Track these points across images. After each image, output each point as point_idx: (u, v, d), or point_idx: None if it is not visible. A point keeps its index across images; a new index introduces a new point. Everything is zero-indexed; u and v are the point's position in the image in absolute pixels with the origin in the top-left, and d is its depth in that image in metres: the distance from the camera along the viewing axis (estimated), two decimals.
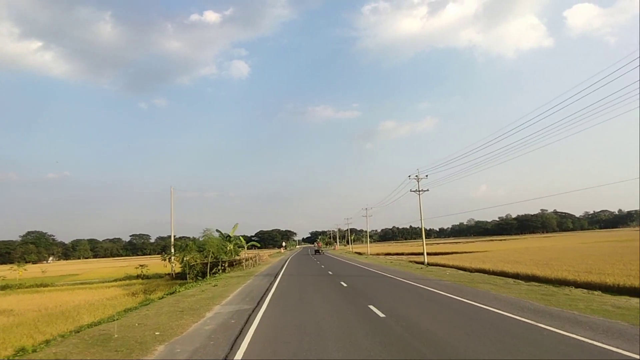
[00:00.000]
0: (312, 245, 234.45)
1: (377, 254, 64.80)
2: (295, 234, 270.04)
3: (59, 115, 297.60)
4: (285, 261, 46.76)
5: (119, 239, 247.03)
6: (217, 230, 37.99)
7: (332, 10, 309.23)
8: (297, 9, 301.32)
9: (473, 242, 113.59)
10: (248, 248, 48.27)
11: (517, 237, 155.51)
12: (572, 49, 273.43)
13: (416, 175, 35.83)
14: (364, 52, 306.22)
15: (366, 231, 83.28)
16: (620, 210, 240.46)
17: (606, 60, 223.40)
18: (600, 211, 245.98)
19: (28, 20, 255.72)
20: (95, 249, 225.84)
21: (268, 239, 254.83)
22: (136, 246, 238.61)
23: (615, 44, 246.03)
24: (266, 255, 56.87)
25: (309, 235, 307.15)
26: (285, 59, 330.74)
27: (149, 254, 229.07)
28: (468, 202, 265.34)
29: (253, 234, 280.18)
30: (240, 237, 43.44)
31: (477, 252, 47.61)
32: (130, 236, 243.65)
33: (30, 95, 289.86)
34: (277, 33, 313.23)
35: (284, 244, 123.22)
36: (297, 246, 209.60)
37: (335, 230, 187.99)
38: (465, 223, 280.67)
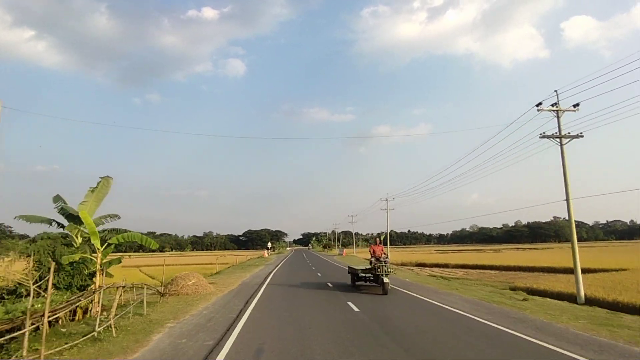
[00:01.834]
0: (307, 247, 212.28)
1: (403, 264, 45.27)
2: (286, 234, 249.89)
3: (50, 106, 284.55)
4: (241, 314, 12.36)
5: None
6: (56, 198, 15.04)
7: (332, 11, 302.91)
8: (296, 9, 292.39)
9: (503, 249, 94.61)
10: (117, 251, 19.99)
11: (545, 245, 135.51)
12: (568, 61, 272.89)
13: (555, 103, 16.32)
14: (362, 55, 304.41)
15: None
16: (632, 221, 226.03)
17: (601, 74, 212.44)
18: (612, 221, 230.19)
19: (21, 7, 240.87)
20: None
21: (256, 239, 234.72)
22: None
23: (610, 58, 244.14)
24: (201, 279, 18.27)
25: (301, 237, 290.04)
26: (282, 59, 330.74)
27: (125, 251, 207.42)
28: (459, 211, 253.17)
29: (240, 233, 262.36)
30: (85, 216, 12.59)
31: (603, 270, 28.07)
32: None
33: (21, 85, 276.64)
34: (276, 32, 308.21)
35: (269, 245, 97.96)
36: (288, 248, 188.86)
37: (329, 232, 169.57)
38: (467, 229, 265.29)
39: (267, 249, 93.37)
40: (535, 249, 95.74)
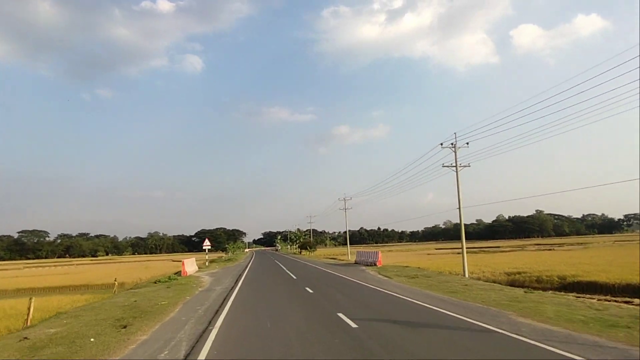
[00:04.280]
0: (273, 248, 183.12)
1: (491, 280, 21.55)
2: (244, 234, 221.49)
3: None
4: None
5: (9, 236, 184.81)
6: None
7: (293, 10, 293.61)
8: (256, 6, 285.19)
9: (535, 247, 73.35)
10: None
11: (545, 241, 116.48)
12: (517, 67, 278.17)
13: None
14: (322, 55, 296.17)
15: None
16: (603, 215, 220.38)
17: (546, 80, 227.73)
18: (587, 214, 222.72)
19: None
20: None
21: (210, 240, 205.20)
22: (26, 246, 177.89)
23: (554, 65, 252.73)
24: None
25: (262, 237, 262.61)
26: (241, 57, 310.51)
27: (45, 257, 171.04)
28: (415, 210, 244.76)
29: (192, 234, 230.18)
30: None
31: None
32: (19, 233, 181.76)
33: None
34: (235, 29, 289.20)
35: (207, 245, 48.53)
36: (247, 250, 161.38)
37: (294, 229, 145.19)
38: (441, 225, 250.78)
39: (207, 248, 47.65)
40: (562, 244, 75.98)
